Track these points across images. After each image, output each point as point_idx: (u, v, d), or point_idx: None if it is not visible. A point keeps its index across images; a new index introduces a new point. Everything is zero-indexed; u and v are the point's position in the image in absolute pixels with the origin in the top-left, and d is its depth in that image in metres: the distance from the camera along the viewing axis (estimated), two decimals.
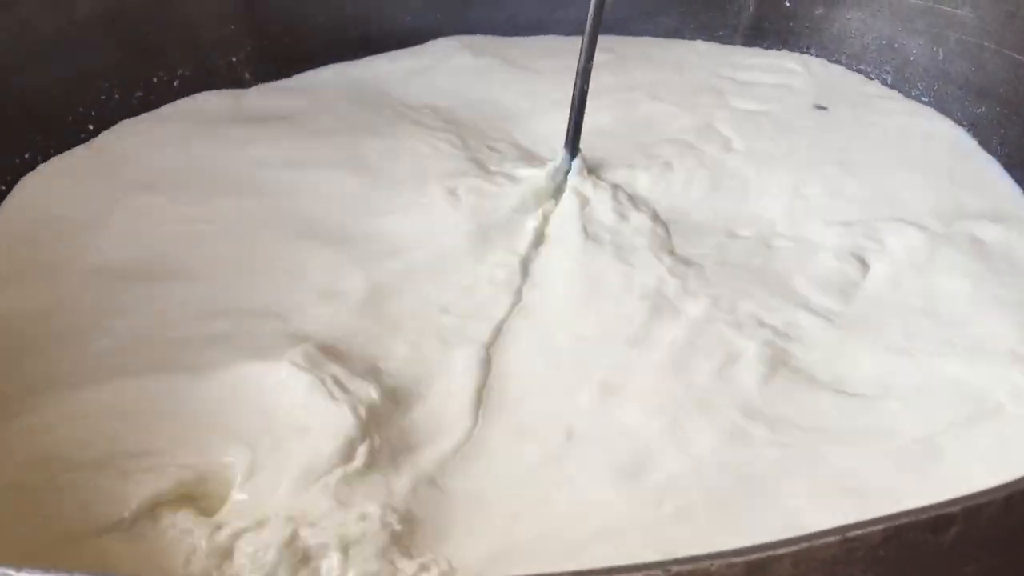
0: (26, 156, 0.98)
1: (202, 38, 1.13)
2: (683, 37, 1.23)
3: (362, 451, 0.63)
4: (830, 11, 1.15)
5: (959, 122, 1.03)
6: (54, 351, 0.74)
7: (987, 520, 0.34)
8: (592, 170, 0.96)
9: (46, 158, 1.00)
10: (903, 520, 0.33)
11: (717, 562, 0.32)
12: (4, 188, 0.96)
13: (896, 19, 1.09)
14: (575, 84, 0.93)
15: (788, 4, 1.17)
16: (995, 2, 0.99)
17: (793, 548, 0.32)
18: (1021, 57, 0.97)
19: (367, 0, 1.22)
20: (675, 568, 0.31)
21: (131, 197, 0.92)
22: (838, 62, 1.14)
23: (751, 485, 0.62)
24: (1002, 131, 0.98)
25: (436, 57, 1.19)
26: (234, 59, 1.16)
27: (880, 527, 0.32)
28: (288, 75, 1.18)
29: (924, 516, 0.33)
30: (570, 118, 0.95)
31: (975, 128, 1.01)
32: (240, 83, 1.16)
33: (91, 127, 1.05)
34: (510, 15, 1.25)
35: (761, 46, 1.20)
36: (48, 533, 0.57)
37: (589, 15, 0.91)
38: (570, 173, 0.94)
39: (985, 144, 1.00)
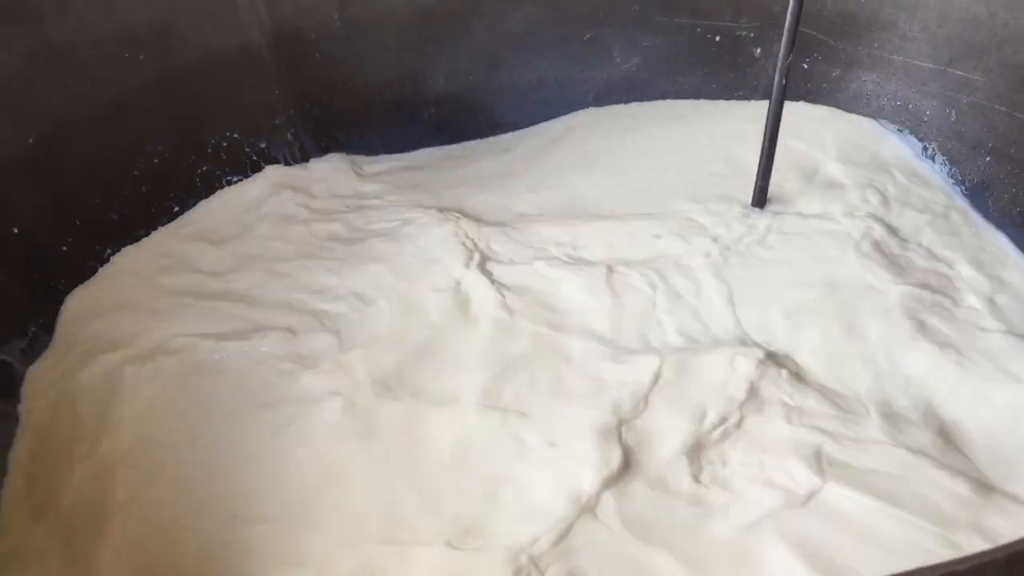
0: (78, 220, 1.05)
1: (249, 101, 1.20)
2: (705, 97, 1.29)
3: None
4: (846, 73, 1.20)
5: (972, 180, 1.07)
6: None
7: None
8: None
9: (107, 218, 1.07)
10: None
11: None
12: (71, 240, 1.03)
13: (910, 81, 1.14)
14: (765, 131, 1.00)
15: (806, 66, 1.22)
16: (1005, 67, 1.04)
17: None
18: None
19: (401, 65, 1.28)
20: None
21: None
22: None
23: None
24: (1013, 190, 1.03)
25: None
26: (277, 121, 1.23)
27: None
28: (326, 134, 1.25)
29: (937, 573, 0.37)
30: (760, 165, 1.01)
31: (988, 187, 1.06)
32: (283, 142, 1.23)
33: (144, 188, 1.12)
34: (538, 77, 1.31)
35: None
36: None
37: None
38: None
39: (997, 202, 1.04)
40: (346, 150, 1.27)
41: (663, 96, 1.30)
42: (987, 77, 1.06)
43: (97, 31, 1.06)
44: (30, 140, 1.01)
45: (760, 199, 1.05)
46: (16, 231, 0.98)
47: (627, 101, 1.32)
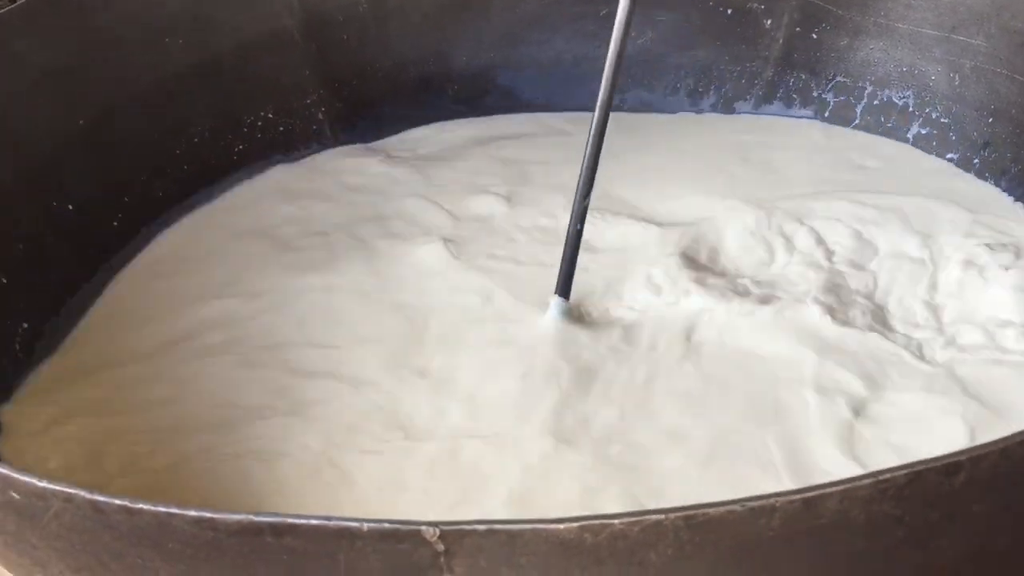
0: (126, 197, 1.11)
1: (282, 83, 1.25)
2: (718, 69, 1.34)
3: None
4: (854, 41, 1.25)
5: (975, 141, 1.13)
6: None
7: (988, 467, 0.43)
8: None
9: (151, 195, 1.13)
10: (923, 467, 0.43)
11: (781, 499, 0.42)
12: (120, 215, 1.09)
13: (915, 48, 1.19)
14: (569, 224, 0.88)
15: (815, 36, 1.27)
16: (1005, 32, 1.09)
17: (839, 488, 0.42)
18: None
19: (424, 45, 1.33)
20: (750, 504, 0.41)
21: None
22: (864, 88, 1.24)
23: None
24: (1015, 149, 1.08)
25: None
26: (308, 101, 1.28)
27: (904, 472, 0.42)
28: (355, 112, 1.31)
29: (939, 463, 0.43)
30: (562, 263, 0.89)
31: (990, 147, 1.11)
32: (312, 121, 1.29)
33: (185, 166, 1.18)
34: (556, 53, 1.36)
35: (791, 74, 1.30)
36: None
37: (587, 149, 0.86)
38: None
39: (1000, 161, 1.10)
40: (373, 127, 1.32)
41: (677, 68, 1.35)
42: (988, 42, 1.11)
43: (139, 19, 1.13)
44: (80, 122, 1.07)
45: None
46: (71, 207, 1.04)
47: (643, 74, 1.36)
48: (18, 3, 1.01)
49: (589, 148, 0.85)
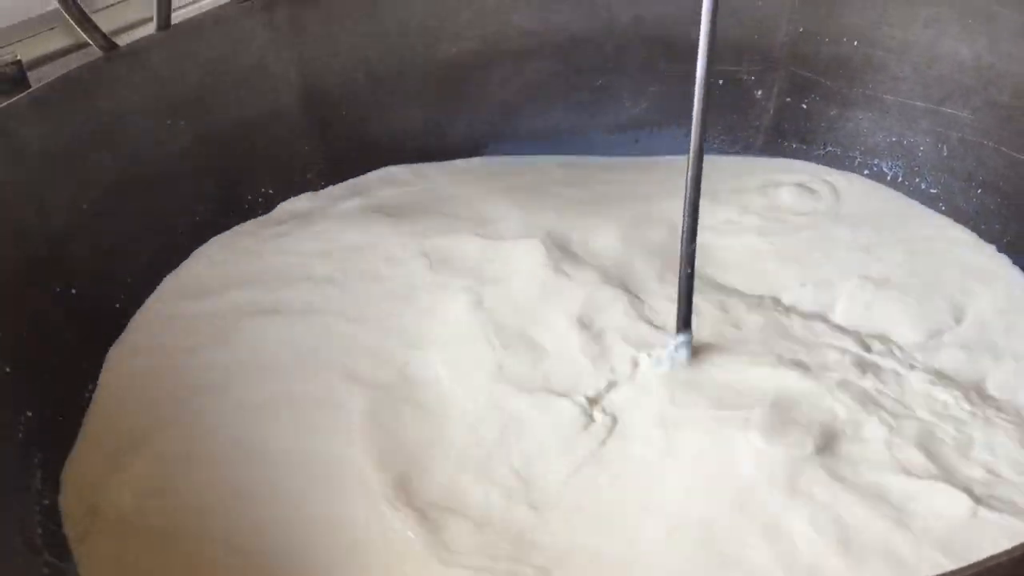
0: (129, 278, 1.12)
1: (282, 159, 1.27)
2: (710, 138, 1.35)
3: None
4: (843, 112, 1.27)
5: (965, 211, 1.15)
6: None
7: None
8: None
9: (155, 277, 1.14)
10: None
11: None
12: (123, 296, 1.10)
13: (903, 119, 1.21)
14: (680, 268, 0.93)
15: (804, 107, 1.30)
16: (992, 106, 1.11)
17: None
18: (1017, 155, 1.09)
19: (422, 117, 1.35)
20: None
21: None
22: (854, 157, 1.27)
23: None
24: (1004, 220, 1.10)
25: None
26: (308, 176, 1.30)
27: None
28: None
29: None
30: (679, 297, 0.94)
31: (980, 217, 1.13)
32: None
33: (188, 245, 1.19)
34: (553, 124, 1.38)
35: (780, 144, 1.32)
36: None
37: (686, 194, 0.91)
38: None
39: (989, 231, 1.12)
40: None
41: (672, 137, 1.37)
42: (975, 115, 1.13)
43: (142, 102, 1.14)
44: (84, 206, 1.08)
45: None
46: (74, 291, 1.05)
47: (636, 142, 1.39)
48: (26, 92, 1.03)
49: (689, 192, 0.90)
